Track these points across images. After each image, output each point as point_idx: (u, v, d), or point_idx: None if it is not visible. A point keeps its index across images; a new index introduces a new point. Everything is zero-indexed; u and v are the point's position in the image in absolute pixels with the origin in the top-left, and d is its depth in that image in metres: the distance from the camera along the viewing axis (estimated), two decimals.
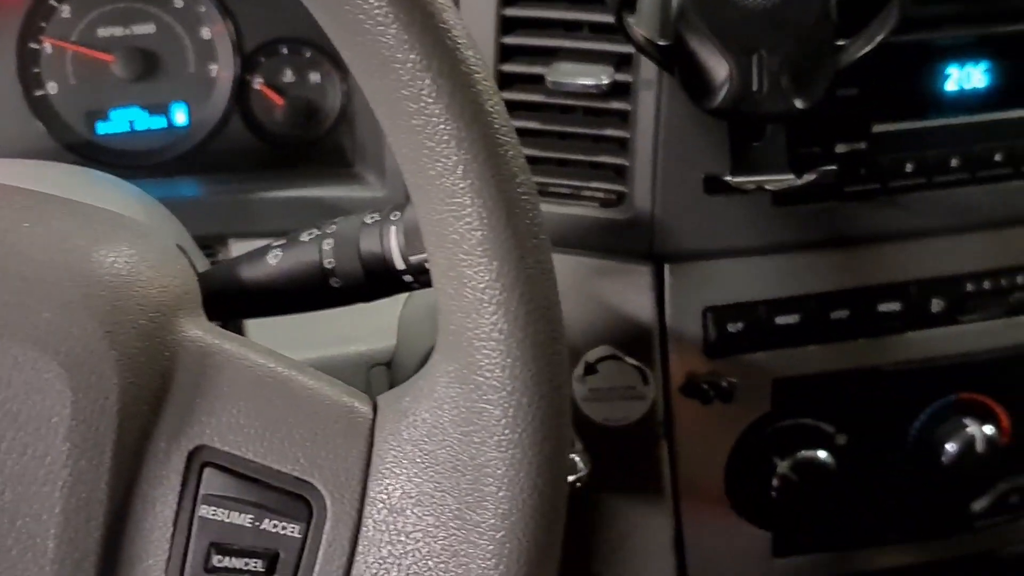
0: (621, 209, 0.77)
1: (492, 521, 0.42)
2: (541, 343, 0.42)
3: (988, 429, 0.82)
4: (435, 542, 0.44)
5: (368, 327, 0.78)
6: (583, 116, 0.78)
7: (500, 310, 0.41)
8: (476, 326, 0.42)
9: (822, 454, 0.81)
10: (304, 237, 0.65)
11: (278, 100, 0.93)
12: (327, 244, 0.62)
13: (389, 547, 0.44)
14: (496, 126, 0.41)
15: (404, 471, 0.44)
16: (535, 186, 0.43)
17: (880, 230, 0.79)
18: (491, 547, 0.42)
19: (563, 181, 0.79)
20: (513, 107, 0.79)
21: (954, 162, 0.78)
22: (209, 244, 0.86)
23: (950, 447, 0.82)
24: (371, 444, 0.45)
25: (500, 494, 0.42)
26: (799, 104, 0.64)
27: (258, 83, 0.93)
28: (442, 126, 0.41)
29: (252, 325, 0.80)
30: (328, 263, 0.63)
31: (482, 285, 0.42)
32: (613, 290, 0.78)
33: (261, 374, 0.46)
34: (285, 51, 0.93)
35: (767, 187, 0.65)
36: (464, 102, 0.41)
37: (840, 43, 0.68)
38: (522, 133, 0.79)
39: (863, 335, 0.81)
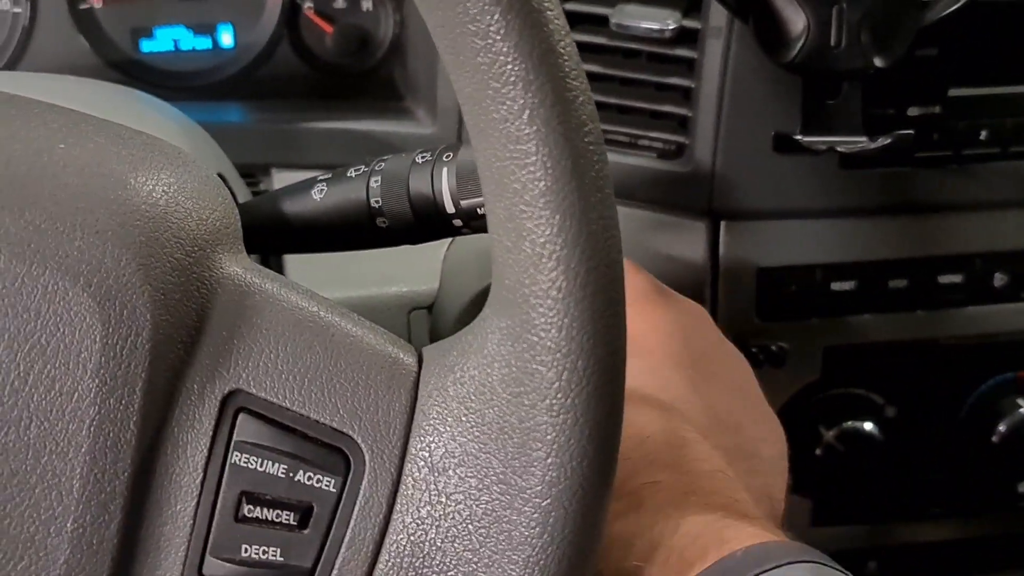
0: (681, 162, 0.74)
1: (538, 487, 0.40)
2: (601, 304, 0.39)
3: None
4: (477, 505, 0.41)
5: (410, 269, 0.76)
6: (647, 62, 0.75)
7: (560, 267, 0.39)
8: (533, 282, 0.39)
9: (869, 425, 0.79)
10: (351, 173, 0.62)
11: (327, 27, 0.90)
12: (375, 182, 0.59)
13: (428, 507, 0.42)
14: (567, 69, 0.38)
15: (448, 429, 0.42)
16: (603, 136, 0.40)
17: (948, 199, 0.76)
18: (536, 514, 0.40)
19: (622, 129, 0.76)
20: None
21: None
22: (251, 173, 0.83)
23: (1002, 427, 0.79)
24: (415, 399, 0.43)
25: (549, 460, 0.40)
26: (878, 62, 0.60)
27: (308, 7, 0.90)
28: (509, 66, 0.38)
29: (290, 261, 0.78)
30: (375, 202, 0.60)
31: (542, 239, 0.39)
32: (667, 245, 0.76)
33: (302, 318, 0.43)
34: None
35: (839, 148, 0.61)
36: (534, 41, 0.38)
37: None
38: None
39: (921, 307, 0.78)
